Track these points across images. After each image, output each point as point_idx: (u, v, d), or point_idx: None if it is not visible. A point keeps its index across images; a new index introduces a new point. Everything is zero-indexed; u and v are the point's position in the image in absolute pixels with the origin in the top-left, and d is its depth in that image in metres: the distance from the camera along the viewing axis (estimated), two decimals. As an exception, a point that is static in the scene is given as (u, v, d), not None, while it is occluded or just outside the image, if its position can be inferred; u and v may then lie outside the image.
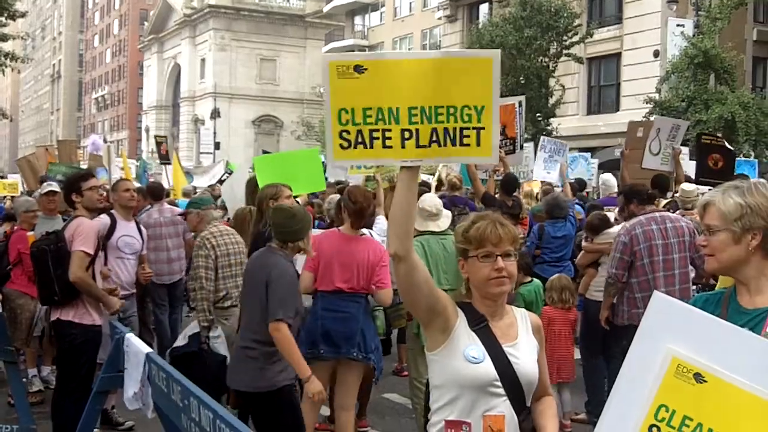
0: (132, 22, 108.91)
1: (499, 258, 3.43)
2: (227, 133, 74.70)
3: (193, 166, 46.53)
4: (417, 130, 3.14)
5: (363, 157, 3.19)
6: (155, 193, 11.74)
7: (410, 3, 60.18)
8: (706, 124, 26.70)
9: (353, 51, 65.68)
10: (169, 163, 21.87)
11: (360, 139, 3.14)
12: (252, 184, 9.96)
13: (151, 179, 20.91)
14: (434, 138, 3.16)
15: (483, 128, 3.19)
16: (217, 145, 65.94)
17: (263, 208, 7.39)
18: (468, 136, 3.18)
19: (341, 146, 3.14)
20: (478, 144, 3.20)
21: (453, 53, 3.27)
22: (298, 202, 8.74)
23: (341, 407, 7.22)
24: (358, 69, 3.09)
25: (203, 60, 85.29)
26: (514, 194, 12.03)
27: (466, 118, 3.17)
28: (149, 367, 5.32)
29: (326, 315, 6.97)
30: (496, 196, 11.90)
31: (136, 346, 5.54)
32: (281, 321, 5.83)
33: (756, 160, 18.83)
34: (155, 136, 24.97)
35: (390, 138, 3.14)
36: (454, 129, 3.17)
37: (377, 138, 3.14)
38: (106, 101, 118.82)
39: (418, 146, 3.16)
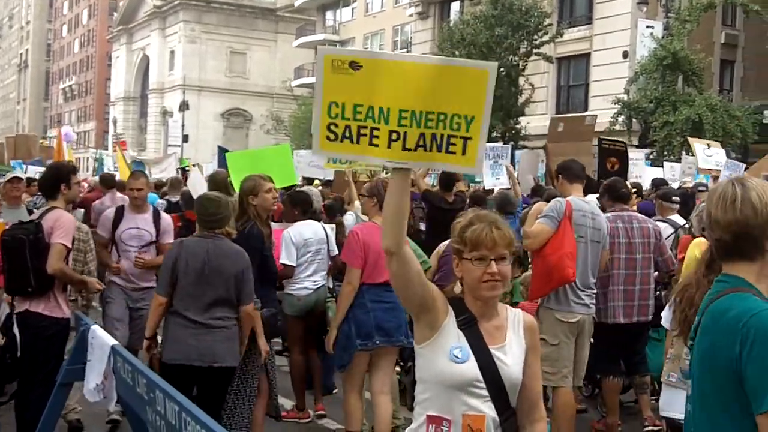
0: (101, 12, 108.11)
1: (493, 262, 3.42)
2: (196, 126, 74.37)
3: (138, 157, 45.81)
4: (405, 133, 3.14)
5: (348, 151, 3.18)
6: (106, 182, 13.08)
7: (382, -1, 60.21)
8: (674, 125, 26.94)
9: (324, 45, 65.92)
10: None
11: (347, 134, 3.13)
12: (216, 180, 10.02)
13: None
14: (421, 143, 3.17)
15: (470, 138, 3.20)
16: (185, 138, 65.55)
17: (244, 204, 7.32)
18: (454, 144, 3.19)
19: (328, 138, 3.14)
20: (464, 153, 3.22)
21: (452, 61, 3.28)
22: None
23: (381, 392, 7.37)
24: (354, 66, 3.08)
25: (172, 52, 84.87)
26: (461, 190, 12.17)
27: (455, 126, 3.17)
28: (114, 359, 5.28)
29: (376, 307, 7.14)
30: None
31: (102, 338, 5.51)
32: (253, 302, 6.55)
33: (744, 164, 18.99)
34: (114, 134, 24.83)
35: (377, 137, 3.14)
36: (442, 136, 3.18)
37: (365, 135, 3.13)
38: (74, 92, 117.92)
39: (404, 149, 3.16)
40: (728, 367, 2.73)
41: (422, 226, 11.53)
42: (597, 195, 9.00)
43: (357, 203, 8.65)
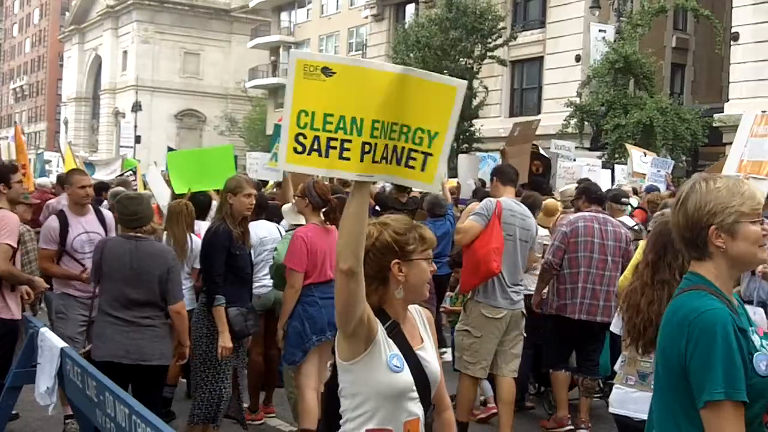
0: (53, 11, 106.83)
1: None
2: (148, 127, 73.67)
3: (88, 157, 45.19)
4: (375, 145, 2.99)
5: (315, 165, 2.98)
6: (63, 182, 12.38)
7: (337, 1, 60.11)
8: (625, 128, 27.19)
9: (279, 47, 65.52)
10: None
11: (315, 146, 2.94)
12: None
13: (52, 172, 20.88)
14: (385, 154, 3.03)
15: (431, 154, 3.06)
16: (137, 139, 65.06)
17: (222, 200, 7.28)
18: (415, 159, 3.05)
19: (295, 150, 2.94)
20: (423, 169, 3.07)
21: (422, 74, 3.05)
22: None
23: (322, 381, 7.41)
24: (326, 71, 2.90)
25: (125, 52, 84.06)
26: (412, 193, 12.30)
27: (417, 141, 3.04)
28: (63, 361, 5.24)
29: (327, 303, 7.24)
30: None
31: (51, 340, 5.46)
32: (182, 301, 6.64)
33: (673, 161, 19.41)
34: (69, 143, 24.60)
35: (348, 149, 2.97)
36: (403, 149, 3.04)
37: (334, 147, 2.95)
38: (25, 92, 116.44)
39: (373, 161, 3.01)
40: (678, 363, 2.90)
41: None
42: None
43: (286, 206, 8.69)
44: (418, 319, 3.65)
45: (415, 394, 3.41)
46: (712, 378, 2.81)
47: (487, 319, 7.75)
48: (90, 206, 8.17)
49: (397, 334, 3.44)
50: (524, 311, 8.03)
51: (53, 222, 7.83)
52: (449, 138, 3.07)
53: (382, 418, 3.36)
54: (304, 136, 2.94)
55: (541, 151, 14.27)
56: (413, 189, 12.52)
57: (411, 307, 3.63)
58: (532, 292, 8.95)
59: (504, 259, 7.69)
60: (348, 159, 2.98)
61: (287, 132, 2.95)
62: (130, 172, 19.87)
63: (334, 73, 2.92)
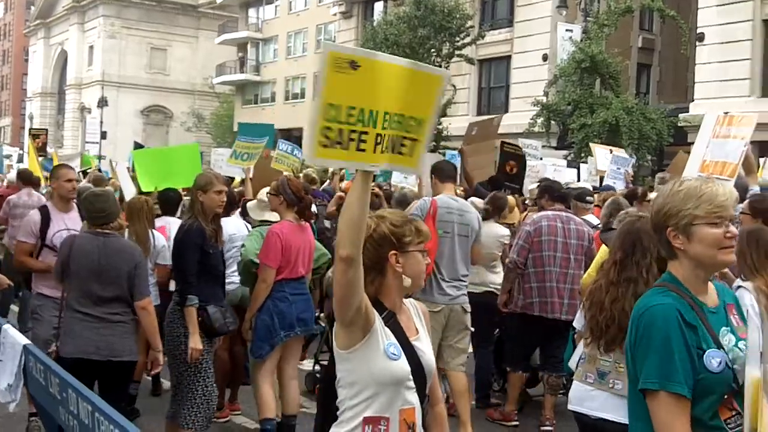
0: (18, 5, 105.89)
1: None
2: (114, 123, 73.22)
3: (52, 154, 44.85)
4: (385, 136, 3.11)
5: (338, 158, 3.05)
6: (25, 178, 12.69)
7: (305, -3, 60.05)
8: (591, 127, 27.36)
9: (246, 44, 65.15)
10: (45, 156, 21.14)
11: (339, 139, 2.99)
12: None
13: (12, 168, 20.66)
14: (387, 144, 3.15)
15: (417, 140, 3.21)
16: (103, 135, 64.54)
17: (193, 198, 7.21)
18: (405, 146, 3.19)
19: (322, 143, 2.97)
20: (411, 154, 3.22)
21: (419, 65, 3.19)
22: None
23: (292, 378, 7.68)
24: (353, 65, 2.94)
25: (91, 47, 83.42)
26: (385, 187, 12.44)
27: (408, 128, 3.17)
28: (26, 358, 5.20)
29: (297, 299, 7.43)
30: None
31: (14, 337, 5.42)
32: (149, 297, 6.58)
33: (634, 158, 19.63)
34: (30, 129, 24.39)
35: (365, 141, 3.04)
36: (396, 137, 3.16)
37: (353, 140, 3.02)
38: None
39: (382, 151, 3.12)
40: (630, 355, 3.12)
41: (327, 224, 11.67)
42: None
43: (251, 203, 8.71)
44: (413, 311, 3.72)
45: (412, 384, 3.47)
46: (647, 368, 2.99)
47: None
48: (74, 203, 8.02)
49: (393, 324, 3.52)
50: (465, 307, 8.10)
51: (35, 216, 7.69)
52: (432, 123, 3.25)
53: (380, 406, 3.42)
54: (331, 129, 2.99)
55: (521, 151, 14.29)
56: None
57: (406, 300, 3.72)
58: (495, 290, 9.03)
59: (441, 255, 7.84)
60: (364, 150, 3.07)
61: (315, 125, 2.97)
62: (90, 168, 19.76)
63: (359, 66, 2.96)
